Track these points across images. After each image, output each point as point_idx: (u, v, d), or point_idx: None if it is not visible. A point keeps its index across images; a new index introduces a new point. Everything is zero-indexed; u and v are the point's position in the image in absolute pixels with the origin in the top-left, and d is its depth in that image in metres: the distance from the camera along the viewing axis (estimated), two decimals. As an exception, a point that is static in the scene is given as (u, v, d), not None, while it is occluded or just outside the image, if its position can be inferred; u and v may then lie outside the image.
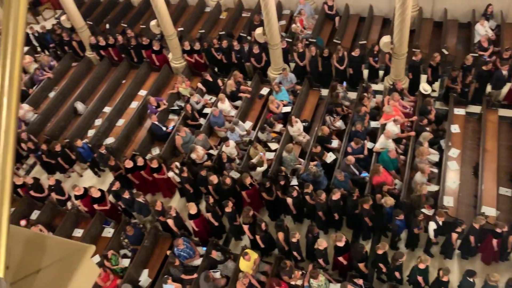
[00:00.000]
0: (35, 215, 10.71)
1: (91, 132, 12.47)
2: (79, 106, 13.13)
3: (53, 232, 10.11)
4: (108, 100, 13.37)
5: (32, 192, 10.87)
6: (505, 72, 10.68)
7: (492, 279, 7.36)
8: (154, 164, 10.46)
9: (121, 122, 12.68)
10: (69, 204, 11.04)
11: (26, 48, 15.28)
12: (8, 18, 0.77)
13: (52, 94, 13.86)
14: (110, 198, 10.67)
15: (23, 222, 10.38)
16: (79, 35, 14.36)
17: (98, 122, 12.75)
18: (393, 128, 10.08)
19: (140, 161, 10.57)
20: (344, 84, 11.84)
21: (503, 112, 10.83)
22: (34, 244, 1.44)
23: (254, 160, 10.22)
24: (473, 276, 7.55)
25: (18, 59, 0.77)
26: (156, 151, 11.70)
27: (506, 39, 12.13)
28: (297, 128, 10.65)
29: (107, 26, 15.82)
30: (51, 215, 10.74)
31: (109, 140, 12.07)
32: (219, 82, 12.81)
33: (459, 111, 10.75)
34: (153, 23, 13.08)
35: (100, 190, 10.27)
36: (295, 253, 8.81)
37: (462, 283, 7.82)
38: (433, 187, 9.34)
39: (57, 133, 12.61)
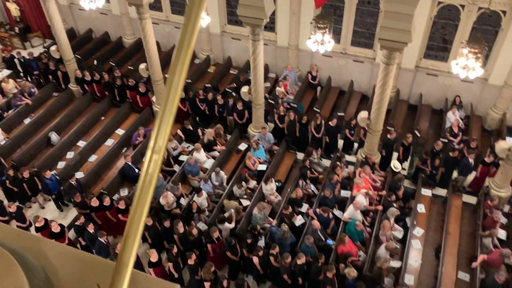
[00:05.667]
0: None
1: (61, 164, 12.20)
2: (54, 136, 12.92)
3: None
4: (84, 134, 13.24)
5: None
6: (471, 161, 11.27)
7: None
8: (121, 205, 10.27)
9: (93, 158, 12.50)
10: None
11: (9, 72, 15.17)
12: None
13: (27, 121, 13.63)
14: (70, 234, 10.28)
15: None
16: (66, 67, 14.42)
17: (70, 155, 12.52)
18: (362, 200, 10.32)
19: (107, 201, 10.34)
20: (319, 151, 12.19)
21: (467, 198, 11.27)
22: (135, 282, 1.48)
23: (226, 214, 10.17)
24: None
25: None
26: (124, 192, 11.50)
27: (474, 129, 12.95)
28: (270, 187, 10.77)
29: (95, 62, 15.98)
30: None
31: (79, 175, 11.79)
32: (199, 131, 12.98)
33: (426, 192, 11.14)
34: (142, 66, 13.35)
35: (60, 225, 9.90)
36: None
37: None
38: (395, 263, 9.46)
39: (25, 161, 12.26)
